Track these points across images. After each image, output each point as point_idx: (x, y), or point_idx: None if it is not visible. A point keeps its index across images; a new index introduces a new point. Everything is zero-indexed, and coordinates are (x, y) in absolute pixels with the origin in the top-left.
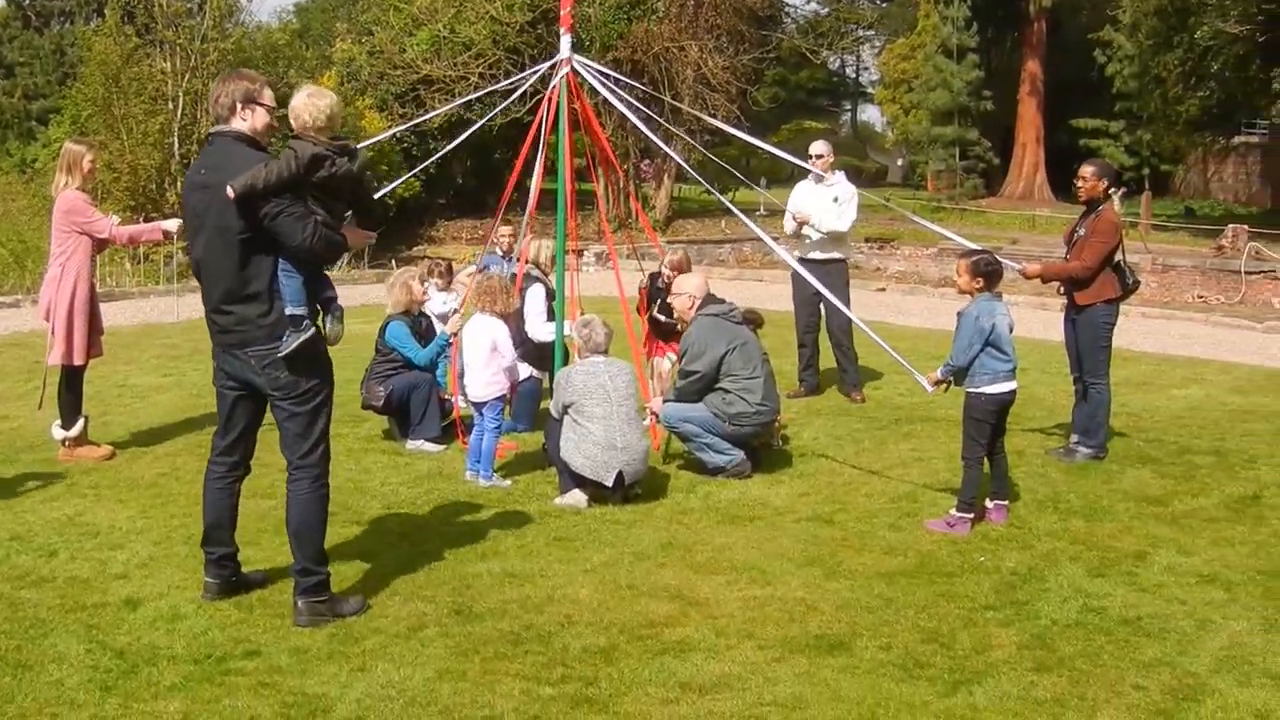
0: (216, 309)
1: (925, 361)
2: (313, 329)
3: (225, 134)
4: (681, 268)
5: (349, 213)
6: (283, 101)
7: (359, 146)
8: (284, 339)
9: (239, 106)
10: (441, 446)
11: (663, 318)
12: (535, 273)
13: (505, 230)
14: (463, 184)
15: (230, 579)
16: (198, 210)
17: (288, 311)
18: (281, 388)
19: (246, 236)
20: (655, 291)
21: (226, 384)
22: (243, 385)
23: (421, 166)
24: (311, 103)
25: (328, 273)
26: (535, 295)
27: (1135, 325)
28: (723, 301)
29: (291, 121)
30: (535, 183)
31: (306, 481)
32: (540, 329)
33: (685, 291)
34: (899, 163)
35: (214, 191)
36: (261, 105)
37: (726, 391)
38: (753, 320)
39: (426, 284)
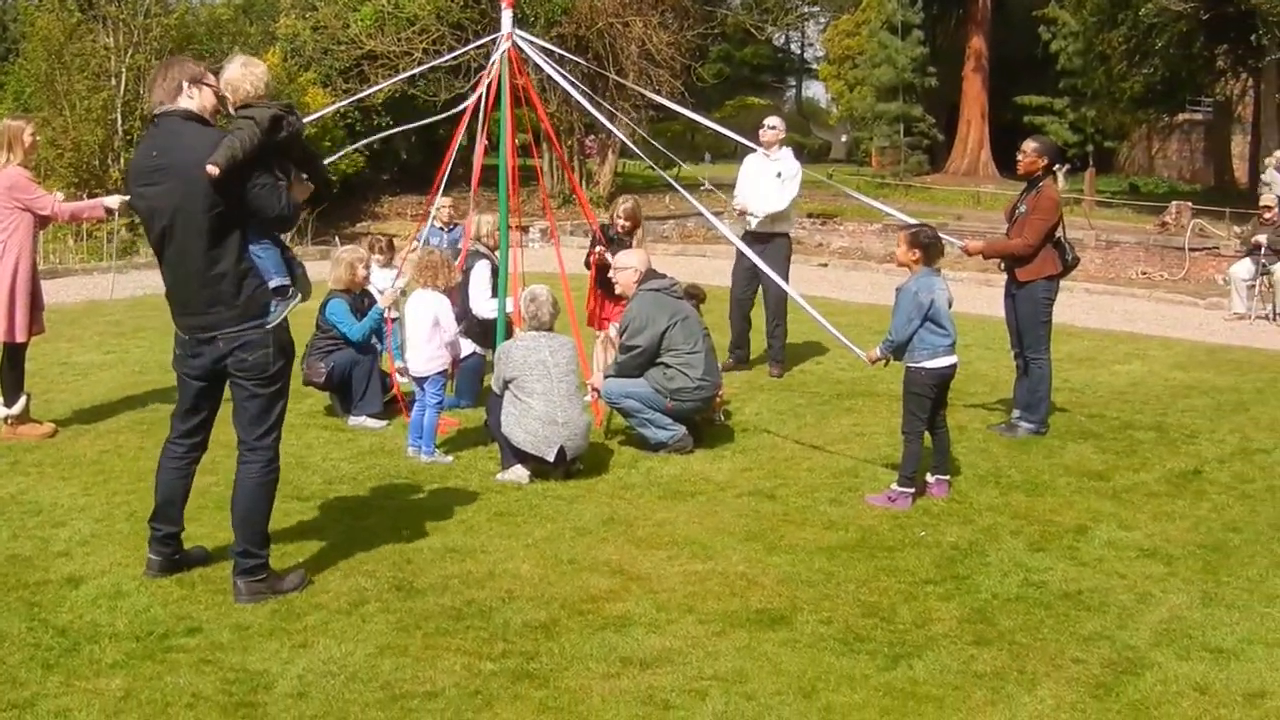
0: (184, 295)
1: (868, 337)
2: (299, 296)
3: (173, 113)
4: (633, 217)
5: (304, 175)
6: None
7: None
8: (271, 310)
9: (185, 85)
10: (383, 423)
11: (609, 257)
12: (480, 248)
13: (444, 202)
14: (407, 160)
15: (173, 556)
16: (152, 195)
17: (272, 284)
18: (249, 369)
19: (216, 213)
20: (608, 238)
21: (189, 373)
22: (207, 376)
23: (366, 141)
24: (249, 71)
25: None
26: (480, 271)
27: (1078, 301)
28: (664, 276)
29: (230, 95)
30: (477, 159)
31: (258, 465)
32: (484, 305)
33: (629, 265)
34: (843, 139)
35: (174, 173)
36: (209, 85)
37: (668, 366)
38: (695, 295)
39: (370, 261)
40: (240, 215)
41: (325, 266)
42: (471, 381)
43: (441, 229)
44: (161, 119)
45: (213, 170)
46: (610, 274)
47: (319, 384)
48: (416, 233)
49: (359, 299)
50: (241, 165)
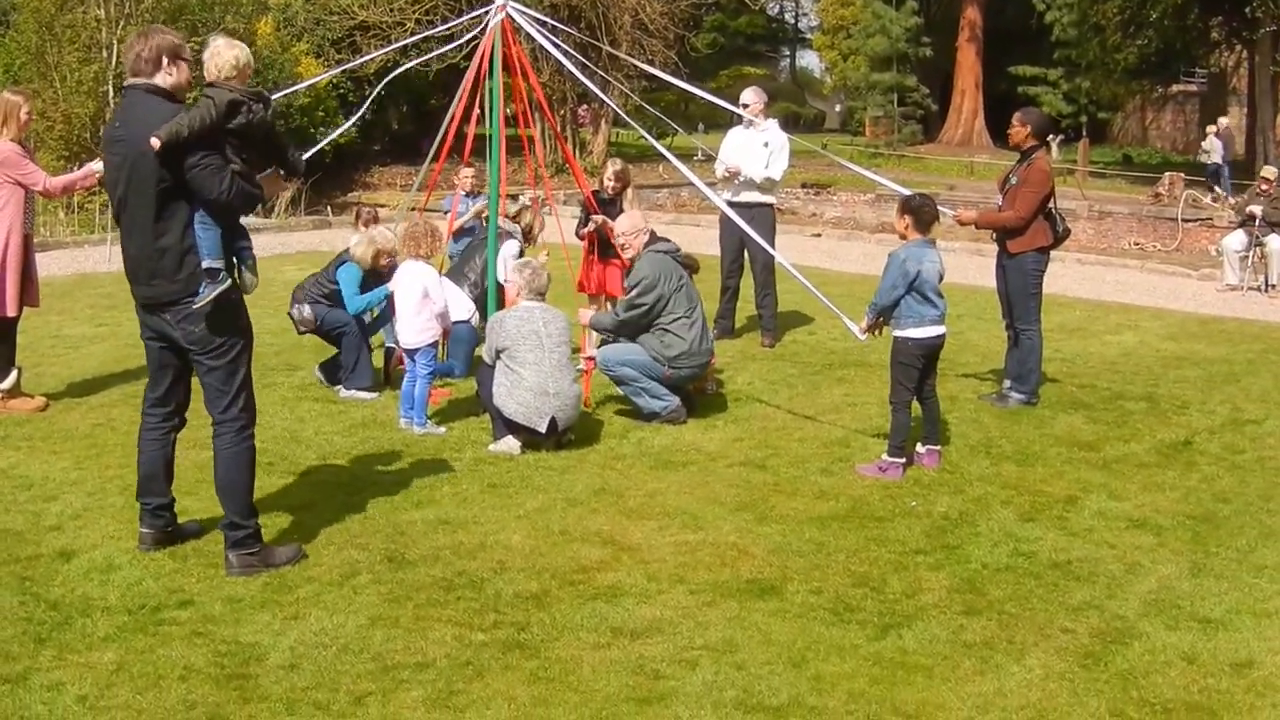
0: (134, 265)
1: (860, 307)
2: (229, 281)
3: (138, 87)
4: (622, 178)
5: (272, 166)
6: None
7: (282, 94)
8: (200, 291)
9: (165, 60)
10: (375, 394)
11: (599, 221)
12: (508, 226)
13: (469, 172)
14: (398, 130)
15: (166, 529)
16: (116, 164)
17: (204, 265)
18: (197, 342)
19: (164, 188)
20: (599, 201)
21: (150, 338)
22: (166, 339)
23: (359, 115)
24: (220, 53)
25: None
26: (509, 249)
27: (1071, 272)
28: (667, 240)
29: (205, 74)
30: (469, 129)
31: (230, 435)
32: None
33: (638, 228)
34: (837, 109)
35: (129, 144)
36: (185, 60)
37: (665, 331)
38: (689, 266)
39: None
40: (187, 192)
41: (326, 235)
42: (465, 350)
43: (467, 196)
44: (129, 90)
45: (154, 143)
46: (617, 238)
47: (307, 327)
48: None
49: (372, 275)
50: (189, 143)
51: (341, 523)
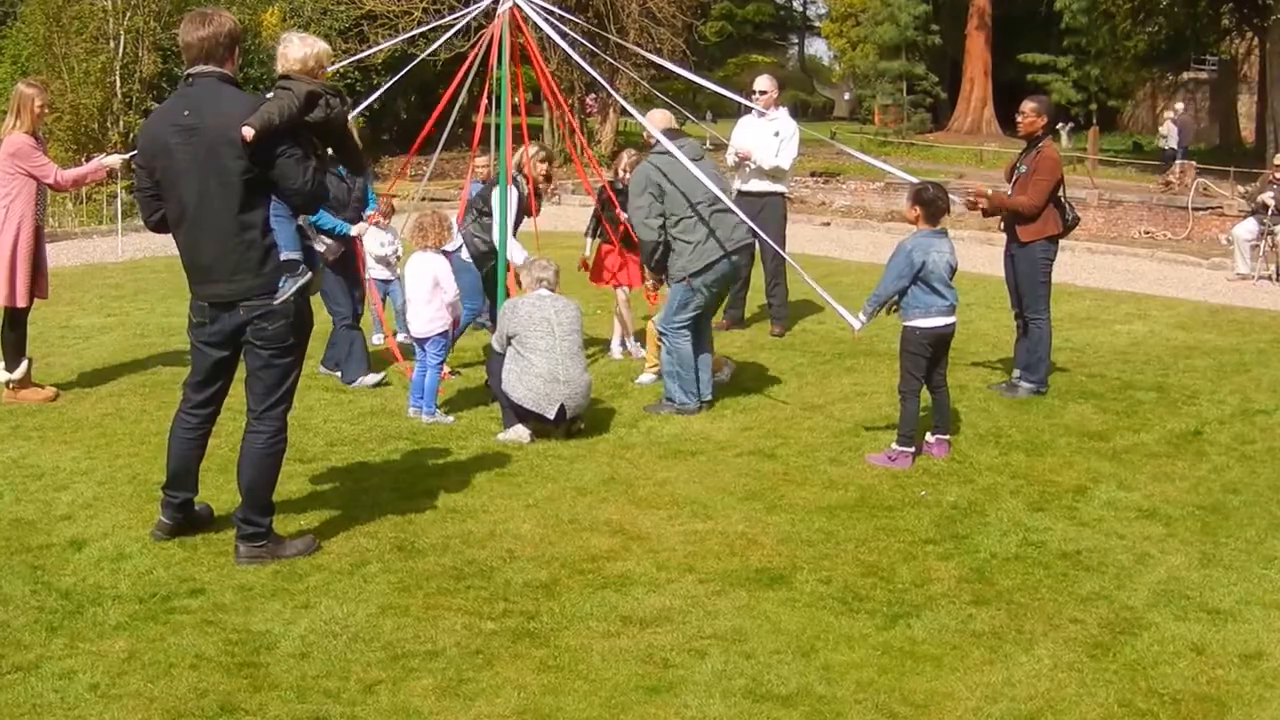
0: (208, 261)
1: (868, 295)
2: (309, 274)
3: (209, 74)
4: (622, 176)
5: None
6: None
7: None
8: (280, 285)
9: (237, 48)
10: (379, 375)
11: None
12: (517, 176)
13: (483, 161)
14: (406, 119)
15: (183, 521)
16: (181, 155)
17: (283, 257)
18: (267, 338)
19: (248, 179)
20: (615, 191)
21: (208, 341)
22: (226, 341)
23: (366, 104)
24: (298, 46)
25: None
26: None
27: (1081, 260)
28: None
29: (280, 66)
30: (478, 118)
31: (265, 435)
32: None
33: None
34: (846, 97)
35: (206, 134)
36: (240, 46)
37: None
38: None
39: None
40: (267, 184)
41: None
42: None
43: (483, 184)
44: (197, 79)
45: (248, 133)
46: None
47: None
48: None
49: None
50: (276, 133)
51: (351, 511)
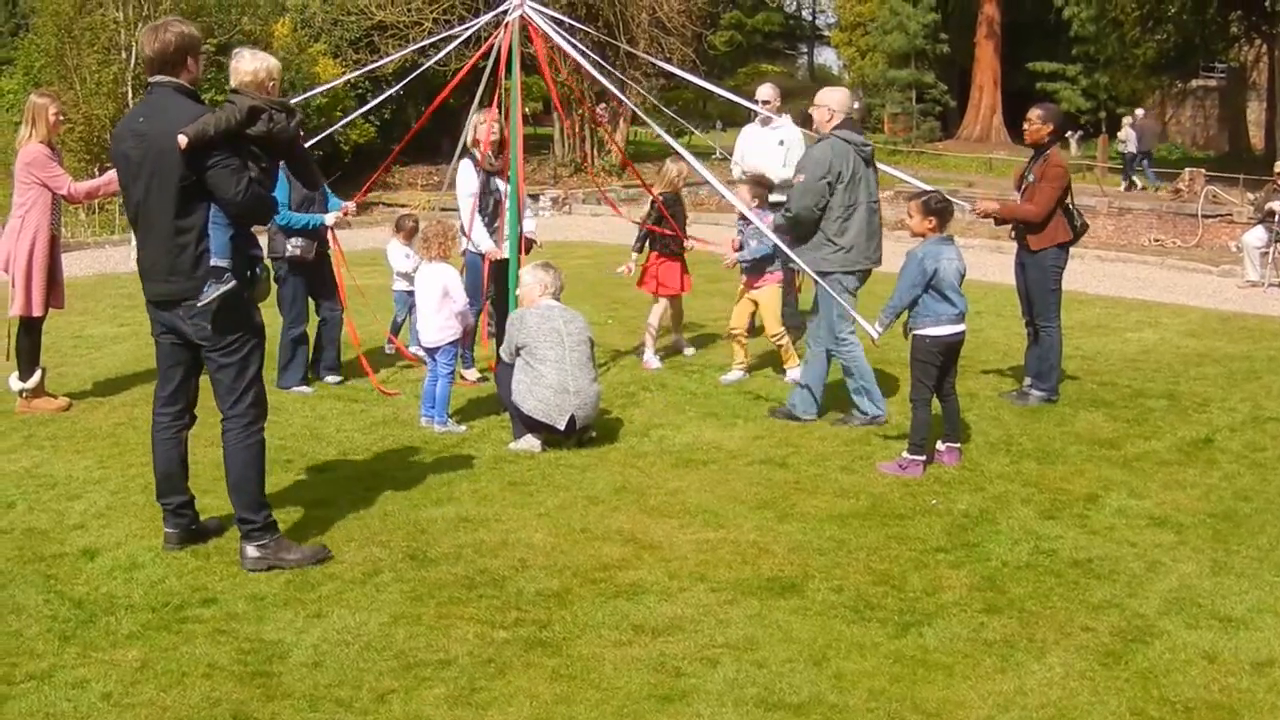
0: (149, 261)
1: (878, 303)
2: (234, 281)
3: (164, 84)
4: (676, 185)
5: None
6: (225, 50)
7: (301, 98)
8: (204, 289)
9: (188, 59)
10: (309, 388)
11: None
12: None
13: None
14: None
15: (189, 527)
16: (134, 158)
17: (211, 262)
18: (209, 339)
19: (185, 185)
20: (658, 211)
21: (162, 333)
22: (176, 334)
23: (369, 106)
24: (247, 63)
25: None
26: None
27: (1090, 268)
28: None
29: (232, 80)
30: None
31: (237, 431)
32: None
33: (824, 104)
34: (855, 105)
35: (152, 140)
36: (200, 55)
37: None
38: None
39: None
40: (207, 191)
41: (345, 235)
42: (474, 282)
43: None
44: (156, 88)
45: (182, 140)
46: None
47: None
48: (427, 204)
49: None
50: (211, 143)
51: (363, 520)
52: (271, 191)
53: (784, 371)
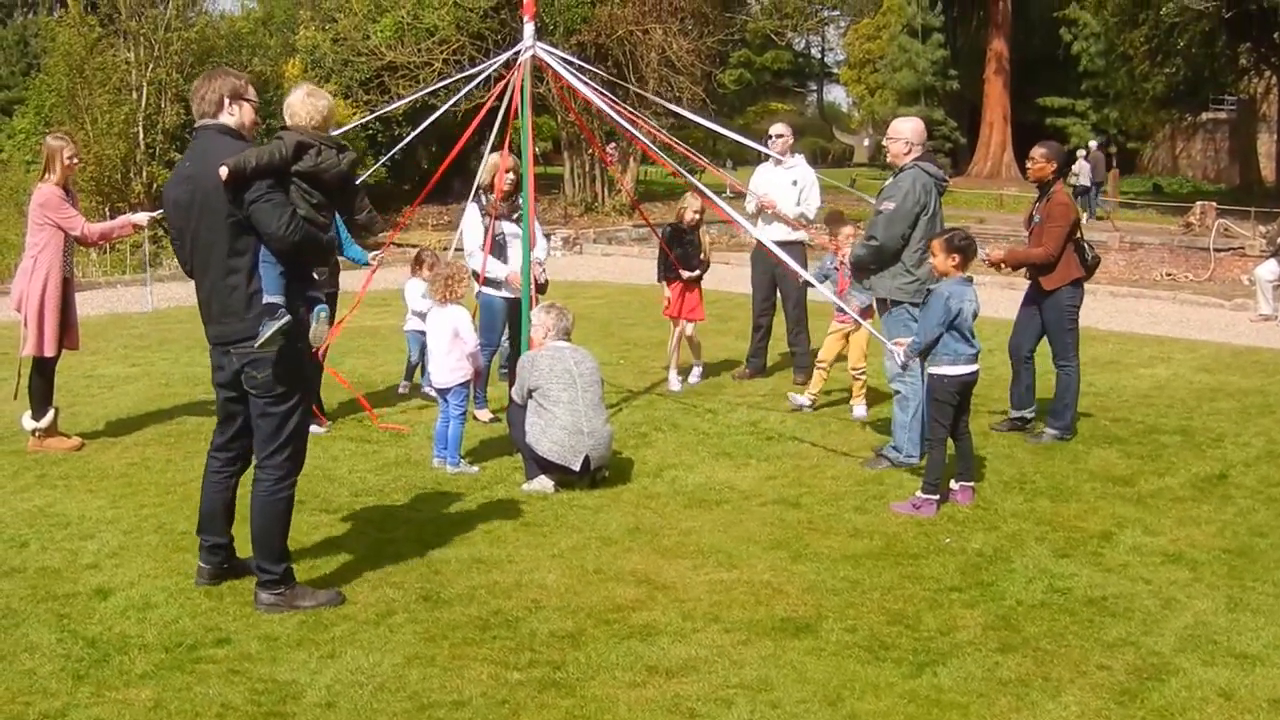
0: (205, 301)
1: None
2: (288, 318)
3: (209, 127)
4: (690, 220)
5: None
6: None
7: (324, 138)
8: (261, 328)
9: (227, 102)
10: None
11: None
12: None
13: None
14: (428, 170)
15: (222, 565)
16: (183, 202)
17: (264, 300)
18: (258, 386)
19: (233, 221)
20: (683, 231)
21: (221, 383)
22: (230, 387)
23: (391, 153)
24: (301, 101)
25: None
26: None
27: (1102, 304)
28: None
29: (287, 118)
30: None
31: (269, 483)
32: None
33: (900, 136)
34: (865, 143)
35: (198, 182)
36: (249, 101)
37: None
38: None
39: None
40: (253, 228)
41: (358, 275)
42: (489, 320)
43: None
44: (200, 131)
45: (222, 171)
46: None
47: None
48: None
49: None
50: (254, 177)
51: (376, 561)
52: (328, 231)
53: (852, 407)
